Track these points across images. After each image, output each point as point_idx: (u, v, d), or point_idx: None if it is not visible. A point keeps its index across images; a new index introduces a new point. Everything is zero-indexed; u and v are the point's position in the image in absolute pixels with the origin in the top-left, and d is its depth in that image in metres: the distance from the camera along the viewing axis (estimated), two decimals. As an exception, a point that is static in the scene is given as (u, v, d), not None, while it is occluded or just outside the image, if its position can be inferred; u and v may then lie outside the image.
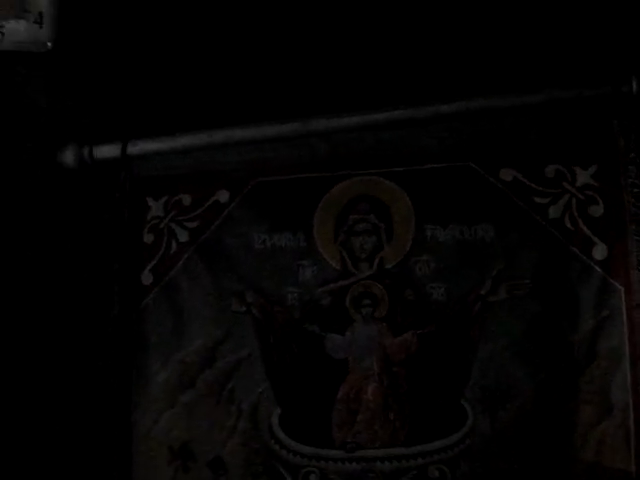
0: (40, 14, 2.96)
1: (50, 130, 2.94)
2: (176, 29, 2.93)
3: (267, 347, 2.70)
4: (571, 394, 2.47)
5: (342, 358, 2.64)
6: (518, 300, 2.55)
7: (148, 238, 2.85)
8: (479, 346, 2.56)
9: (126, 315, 2.78)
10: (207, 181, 2.83)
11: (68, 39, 2.95)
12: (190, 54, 2.92)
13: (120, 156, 2.84)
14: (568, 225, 2.55)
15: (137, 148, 2.84)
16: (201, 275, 2.78)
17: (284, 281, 2.71)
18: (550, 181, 2.58)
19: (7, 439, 2.71)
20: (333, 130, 2.74)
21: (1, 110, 2.95)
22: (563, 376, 2.48)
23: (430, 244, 2.64)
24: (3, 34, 2.96)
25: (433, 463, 2.54)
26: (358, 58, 2.83)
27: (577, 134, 2.58)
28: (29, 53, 2.96)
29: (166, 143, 2.83)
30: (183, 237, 2.82)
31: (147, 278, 2.82)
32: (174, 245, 2.82)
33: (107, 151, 2.86)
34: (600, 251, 2.52)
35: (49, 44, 2.95)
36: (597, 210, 2.54)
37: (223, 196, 2.81)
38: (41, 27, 2.96)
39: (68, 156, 2.86)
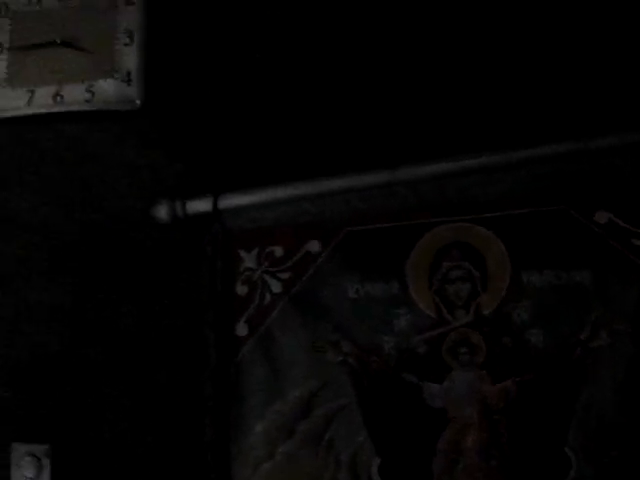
0: (128, 73, 3.05)
1: (143, 186, 3.01)
2: (265, 84, 2.98)
3: (364, 396, 2.69)
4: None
5: (440, 407, 2.63)
6: (619, 344, 2.51)
7: (241, 290, 2.87)
8: (580, 392, 2.51)
9: (223, 367, 2.80)
10: (297, 232, 2.85)
11: (157, 96, 3.03)
12: (277, 109, 2.96)
13: (212, 210, 2.88)
14: (667, 267, 2.51)
15: (228, 201, 2.89)
16: (295, 325, 2.79)
17: (379, 330, 2.70)
18: (647, 222, 2.55)
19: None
20: (421, 178, 2.75)
21: (96, 168, 3.05)
22: (669, 421, 2.42)
23: (527, 290, 2.61)
24: (93, 93, 3.06)
25: (537, 512, 2.50)
26: (445, 105, 2.84)
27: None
28: (119, 112, 3.05)
29: (256, 196, 2.87)
30: (276, 288, 2.84)
31: (242, 329, 2.84)
32: (268, 296, 2.84)
33: (199, 205, 2.91)
34: (700, 293, 2.47)
35: (138, 102, 3.03)
36: (697, 251, 2.50)
37: (314, 247, 2.83)
38: (129, 85, 3.05)
39: (161, 211, 2.92)
